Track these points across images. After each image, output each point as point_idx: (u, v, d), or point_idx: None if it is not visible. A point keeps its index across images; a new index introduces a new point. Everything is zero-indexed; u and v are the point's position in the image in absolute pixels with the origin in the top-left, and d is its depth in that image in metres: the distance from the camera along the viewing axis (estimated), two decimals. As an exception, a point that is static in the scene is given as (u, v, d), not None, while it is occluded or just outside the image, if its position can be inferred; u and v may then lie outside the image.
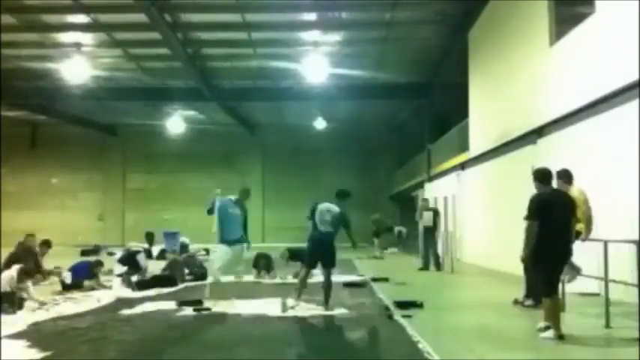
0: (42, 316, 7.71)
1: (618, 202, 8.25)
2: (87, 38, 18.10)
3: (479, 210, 16.00)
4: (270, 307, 8.21)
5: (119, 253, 13.80)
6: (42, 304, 8.45)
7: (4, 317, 7.37)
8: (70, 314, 7.91)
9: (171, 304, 8.56)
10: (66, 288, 10.27)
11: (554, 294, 6.09)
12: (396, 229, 25.32)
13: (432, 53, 19.04)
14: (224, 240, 8.88)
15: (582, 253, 7.22)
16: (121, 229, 32.05)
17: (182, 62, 18.55)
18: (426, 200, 15.34)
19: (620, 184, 8.32)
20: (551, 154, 10.59)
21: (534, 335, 6.06)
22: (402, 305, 7.95)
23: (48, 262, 12.60)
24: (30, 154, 32.43)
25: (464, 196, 17.67)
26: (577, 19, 9.66)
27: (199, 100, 23.64)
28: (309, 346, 5.73)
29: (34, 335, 6.41)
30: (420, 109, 24.38)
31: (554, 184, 6.97)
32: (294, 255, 12.93)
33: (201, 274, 11.88)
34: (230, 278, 10.34)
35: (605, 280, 6.49)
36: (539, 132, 11.35)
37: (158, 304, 8.78)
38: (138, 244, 15.43)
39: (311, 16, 16.72)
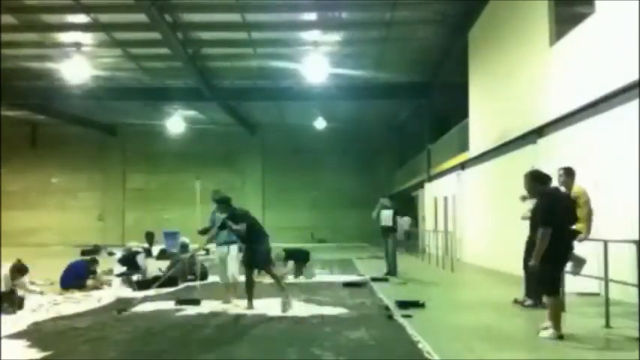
0: (42, 316, 7.71)
1: (618, 202, 8.25)
2: (87, 38, 18.10)
3: (479, 210, 16.00)
4: (270, 307, 8.21)
5: (119, 253, 13.83)
6: (41, 293, 8.40)
7: (4, 317, 7.37)
8: (70, 314, 7.91)
9: (171, 304, 8.57)
10: (66, 287, 10.28)
11: (558, 293, 6.10)
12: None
13: (432, 53, 19.04)
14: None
15: (582, 253, 7.24)
16: (121, 229, 32.06)
17: (182, 62, 18.55)
18: (385, 197, 14.75)
19: (620, 184, 8.32)
20: (551, 154, 10.59)
21: (534, 335, 6.06)
22: (404, 305, 7.96)
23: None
24: (30, 154, 32.43)
25: (464, 196, 17.68)
26: (577, 19, 9.66)
27: (199, 100, 23.65)
28: (309, 346, 5.73)
29: (34, 335, 6.41)
30: (420, 109, 24.39)
31: (555, 181, 7.01)
32: (290, 255, 12.97)
33: (201, 274, 11.89)
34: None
35: (605, 280, 6.49)
36: (539, 132, 11.35)
37: (158, 304, 8.79)
38: (138, 244, 15.42)
39: (311, 16, 16.73)
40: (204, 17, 16.31)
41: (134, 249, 13.51)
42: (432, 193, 22.75)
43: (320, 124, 28.88)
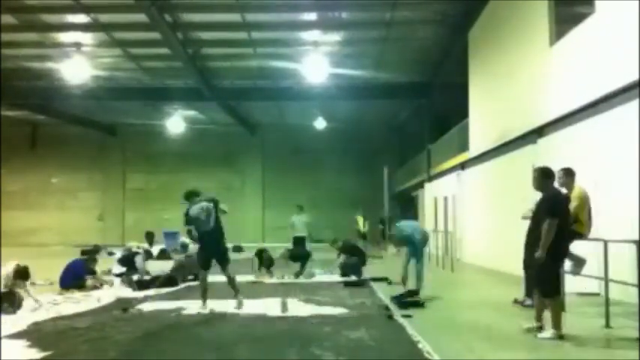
0: (42, 316, 7.71)
1: (618, 202, 8.25)
2: (87, 38, 18.11)
3: (479, 210, 16.00)
4: (270, 307, 8.21)
5: (119, 253, 13.82)
6: (37, 301, 8.36)
7: (4, 317, 7.37)
8: (70, 314, 7.91)
9: (171, 304, 8.56)
10: (66, 287, 10.28)
11: (558, 294, 6.13)
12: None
13: (432, 53, 19.04)
14: None
15: (582, 253, 7.24)
16: (121, 229, 32.06)
17: (182, 62, 18.56)
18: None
19: (620, 184, 8.32)
20: (551, 154, 10.59)
21: (534, 335, 6.06)
22: (404, 305, 7.95)
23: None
24: (30, 154, 32.45)
25: (464, 196, 17.68)
26: (577, 19, 9.66)
27: (199, 100, 23.65)
28: (309, 346, 5.73)
29: (34, 335, 6.41)
30: (420, 109, 24.39)
31: (556, 182, 7.01)
32: (293, 255, 13.00)
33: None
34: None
35: (605, 280, 6.49)
36: (539, 132, 11.35)
37: (158, 304, 8.79)
38: (138, 244, 15.40)
39: (311, 16, 16.73)
40: (204, 17, 16.32)
41: (134, 249, 13.49)
42: (432, 193, 22.76)
43: (320, 124, 28.88)
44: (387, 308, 8.05)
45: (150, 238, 17.99)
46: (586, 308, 7.66)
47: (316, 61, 18.74)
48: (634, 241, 6.31)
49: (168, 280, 11.04)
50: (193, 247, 11.21)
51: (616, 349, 5.78)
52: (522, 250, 7.77)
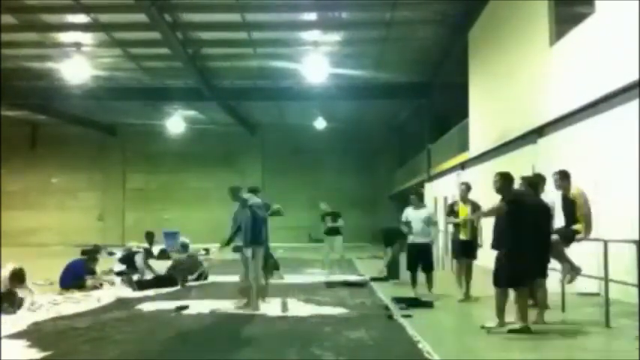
0: (42, 316, 7.71)
1: (618, 202, 8.25)
2: (87, 38, 18.10)
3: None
4: (270, 307, 8.21)
5: (119, 253, 13.82)
6: (32, 304, 8.25)
7: (4, 317, 7.37)
8: (70, 314, 7.91)
9: (171, 304, 8.57)
10: (66, 287, 10.28)
11: (509, 286, 6.42)
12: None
13: (432, 53, 19.03)
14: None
15: (582, 253, 7.23)
16: (121, 229, 32.04)
17: (182, 62, 18.54)
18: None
19: (620, 184, 8.31)
20: (551, 154, 10.59)
21: (534, 335, 6.07)
22: (412, 304, 7.97)
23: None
24: (30, 154, 32.42)
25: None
26: (577, 19, 9.66)
27: (199, 100, 23.63)
28: (309, 346, 5.73)
29: (34, 335, 6.41)
30: (420, 109, 24.38)
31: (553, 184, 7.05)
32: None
33: (201, 274, 11.92)
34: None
35: (605, 280, 6.49)
36: (539, 132, 11.35)
37: (158, 304, 8.79)
38: (138, 244, 15.41)
39: (311, 16, 16.72)
40: (204, 17, 16.30)
41: (134, 249, 13.50)
42: (432, 193, 22.75)
43: (320, 124, 28.87)
44: (387, 308, 8.05)
45: (150, 238, 18.01)
46: (586, 308, 7.66)
47: (316, 61, 18.73)
48: (634, 241, 6.31)
49: (168, 280, 11.05)
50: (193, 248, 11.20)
51: (616, 350, 5.78)
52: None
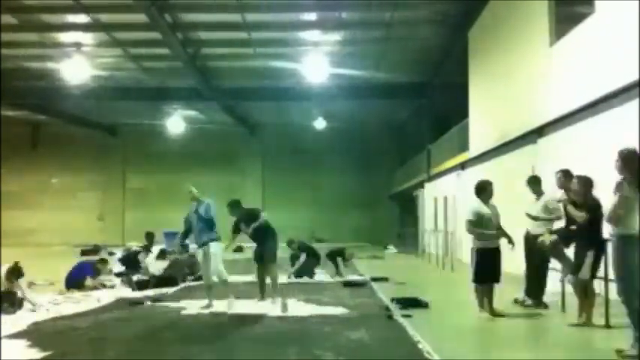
0: (42, 316, 7.71)
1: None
2: (87, 38, 18.12)
3: (479, 210, 15.96)
4: (270, 307, 8.21)
5: (119, 253, 13.81)
6: (33, 305, 8.17)
7: (4, 317, 7.37)
8: (70, 314, 7.91)
9: (171, 304, 8.56)
10: (68, 287, 10.27)
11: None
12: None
13: (432, 53, 19.04)
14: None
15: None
16: (121, 229, 32.06)
17: (182, 62, 18.55)
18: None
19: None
20: (551, 154, 10.59)
21: (535, 335, 6.06)
22: (408, 304, 7.96)
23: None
24: (30, 154, 32.45)
25: (464, 196, 17.65)
26: (577, 19, 9.66)
27: (199, 100, 23.66)
28: (309, 346, 5.73)
29: (34, 335, 6.41)
30: (420, 109, 24.39)
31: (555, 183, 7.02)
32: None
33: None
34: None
35: (605, 280, 6.49)
36: (539, 132, 11.35)
37: (158, 304, 8.78)
38: (138, 244, 15.41)
39: (311, 16, 16.74)
40: (204, 17, 16.32)
41: (134, 248, 13.48)
42: (432, 193, 22.75)
43: (320, 124, 28.88)
44: (387, 308, 8.04)
45: (150, 238, 17.99)
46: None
47: (316, 61, 18.74)
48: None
49: (168, 280, 11.04)
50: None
51: (616, 350, 5.78)
52: (522, 250, 7.78)
